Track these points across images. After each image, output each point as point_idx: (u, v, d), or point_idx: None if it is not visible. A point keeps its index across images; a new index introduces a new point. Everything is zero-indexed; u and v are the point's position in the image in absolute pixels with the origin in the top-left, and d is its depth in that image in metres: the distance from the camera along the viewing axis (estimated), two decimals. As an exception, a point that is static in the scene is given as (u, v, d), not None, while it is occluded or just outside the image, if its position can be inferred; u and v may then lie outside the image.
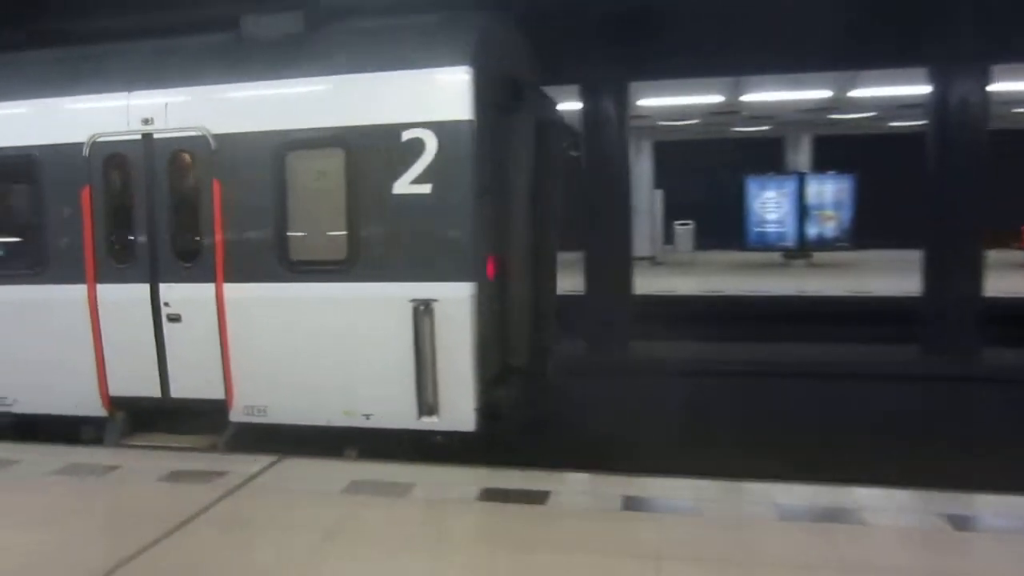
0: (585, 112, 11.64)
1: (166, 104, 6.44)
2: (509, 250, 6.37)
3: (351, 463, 6.00)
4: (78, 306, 6.63)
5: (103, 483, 5.77)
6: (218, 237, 6.32)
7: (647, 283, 14.53)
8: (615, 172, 11.61)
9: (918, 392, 9.66)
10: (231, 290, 6.32)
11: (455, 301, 5.86)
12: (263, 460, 6.00)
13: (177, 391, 6.57)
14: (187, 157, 6.48)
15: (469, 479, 5.57)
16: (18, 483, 5.83)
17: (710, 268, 19.60)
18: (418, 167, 5.86)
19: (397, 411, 6.04)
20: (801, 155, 23.21)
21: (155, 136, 6.47)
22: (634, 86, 12.38)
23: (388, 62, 6.11)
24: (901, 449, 7.44)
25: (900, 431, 8.18)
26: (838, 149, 22.29)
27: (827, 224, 20.37)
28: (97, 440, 6.79)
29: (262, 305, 6.29)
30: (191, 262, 6.45)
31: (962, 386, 9.62)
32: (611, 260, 11.63)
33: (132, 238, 6.60)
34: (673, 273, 19.12)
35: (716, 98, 16.46)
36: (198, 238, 6.43)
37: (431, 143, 5.83)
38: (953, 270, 10.69)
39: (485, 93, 5.97)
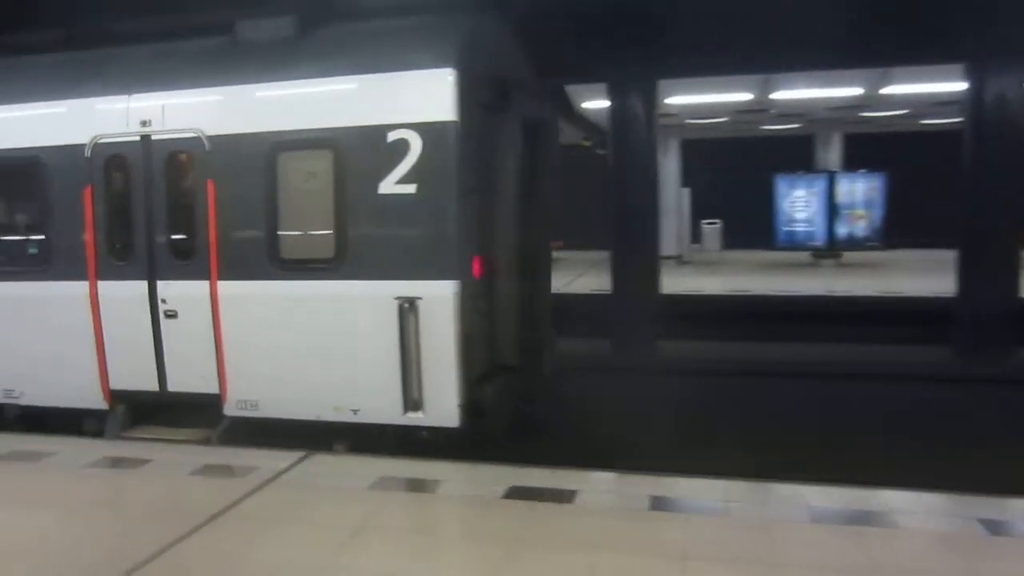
0: (613, 110, 11.60)
1: (163, 106, 6.62)
2: (496, 249, 6.46)
3: (378, 459, 6.04)
4: (80, 302, 6.84)
5: (137, 476, 5.89)
6: (212, 235, 6.48)
7: (674, 282, 14.45)
8: (642, 170, 11.55)
9: (951, 394, 9.50)
10: (224, 287, 6.49)
11: (439, 299, 5.95)
12: (291, 456, 6.09)
13: (174, 385, 6.75)
14: (183, 158, 6.68)
15: (496, 477, 5.58)
16: (58, 474, 5.98)
17: (737, 267, 19.43)
18: (403, 167, 5.97)
19: (383, 406, 6.15)
20: (831, 153, 22.89)
21: (153, 137, 6.65)
22: (662, 84, 12.32)
23: (374, 64, 6.24)
24: (937, 452, 7.32)
25: (934, 433, 8.05)
26: (869, 147, 21.95)
27: (857, 223, 20.06)
28: (99, 432, 6.99)
29: (254, 302, 6.45)
30: (187, 260, 6.62)
31: (996, 388, 9.45)
32: (638, 259, 11.57)
33: (131, 236, 6.79)
34: (700, 272, 18.99)
35: (745, 96, 16.30)
36: (193, 236, 6.60)
37: (416, 144, 5.94)
38: (988, 270, 10.50)
39: (470, 94, 6.05)
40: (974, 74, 10.59)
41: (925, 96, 16.13)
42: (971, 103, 10.67)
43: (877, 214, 19.91)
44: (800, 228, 20.43)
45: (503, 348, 6.58)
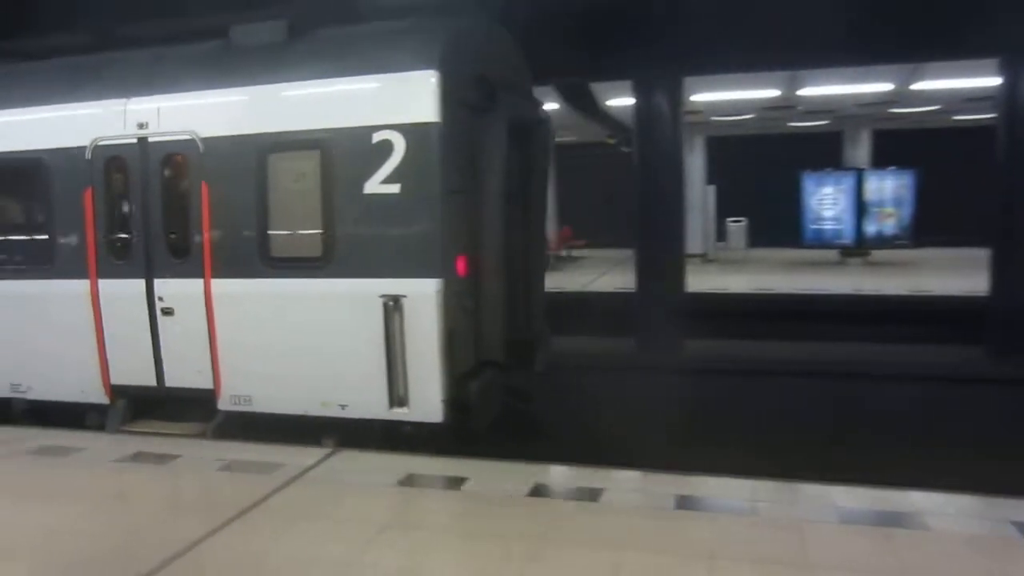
0: (638, 108, 11.54)
1: (158, 109, 6.77)
2: (483, 248, 6.49)
3: (405, 456, 6.08)
4: (81, 300, 7.02)
5: (166, 471, 5.96)
6: (206, 235, 6.61)
7: (699, 281, 14.35)
8: (668, 168, 11.47)
9: (983, 395, 9.35)
10: (218, 285, 6.62)
11: (422, 297, 6.02)
12: (318, 452, 6.16)
13: (171, 380, 6.91)
14: (178, 159, 6.81)
15: (521, 474, 5.59)
16: (87, 469, 6.08)
17: (763, 266, 19.24)
18: (388, 168, 6.05)
19: (370, 402, 6.25)
20: (860, 150, 22.56)
21: (149, 140, 6.80)
22: (687, 81, 12.22)
23: (360, 67, 6.36)
24: (967, 454, 7.22)
25: (965, 435, 7.93)
26: (899, 144, 21.60)
27: (886, 221, 19.78)
28: (100, 426, 7.15)
29: (246, 300, 6.57)
30: (182, 259, 6.75)
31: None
32: (663, 257, 11.51)
33: (129, 236, 6.94)
34: (725, 271, 18.84)
35: (772, 92, 16.12)
36: (188, 236, 6.73)
37: (400, 144, 6.02)
38: (1022, 268, 10.30)
39: (454, 95, 6.10)
40: (1008, 69, 10.40)
41: (957, 92, 15.86)
42: (1005, 99, 10.48)
43: (906, 212, 19.61)
44: (827, 226, 20.19)
45: (491, 346, 6.63)
